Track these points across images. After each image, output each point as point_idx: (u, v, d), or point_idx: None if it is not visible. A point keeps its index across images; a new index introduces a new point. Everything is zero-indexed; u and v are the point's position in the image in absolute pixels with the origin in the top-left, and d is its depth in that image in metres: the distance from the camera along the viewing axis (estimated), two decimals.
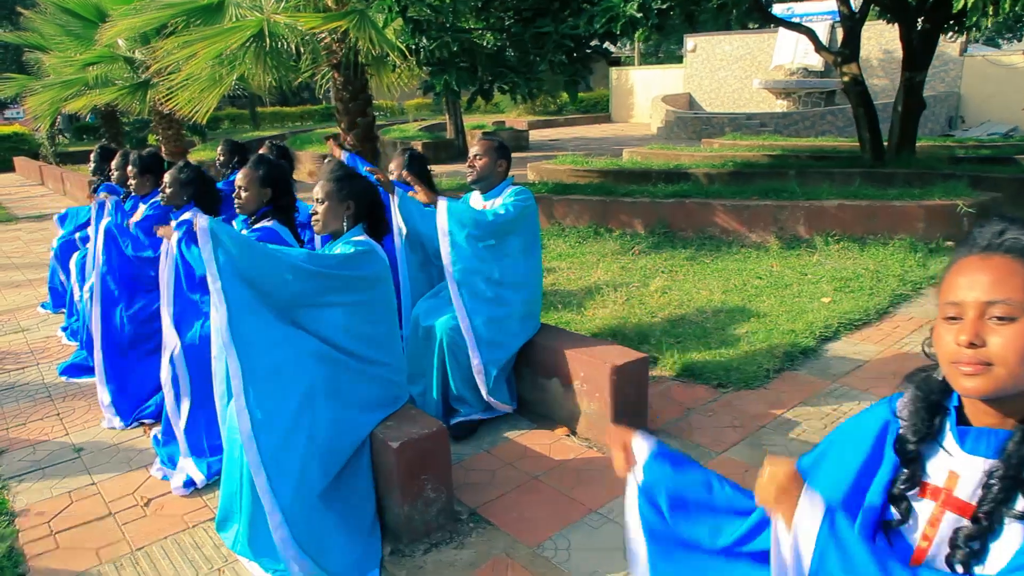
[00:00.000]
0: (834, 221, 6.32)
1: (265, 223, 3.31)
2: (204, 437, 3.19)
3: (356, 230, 2.77)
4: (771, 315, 4.79)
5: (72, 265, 5.23)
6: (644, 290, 5.36)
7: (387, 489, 2.62)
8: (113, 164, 5.36)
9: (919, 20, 8.51)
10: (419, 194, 3.32)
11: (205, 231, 2.30)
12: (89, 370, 4.42)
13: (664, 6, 5.93)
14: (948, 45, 18.70)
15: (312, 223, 2.78)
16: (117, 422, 3.73)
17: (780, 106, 21.16)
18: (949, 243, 6.05)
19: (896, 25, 12.48)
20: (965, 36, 17.66)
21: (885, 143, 9.44)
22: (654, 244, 6.56)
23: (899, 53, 20.21)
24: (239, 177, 3.33)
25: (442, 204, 3.22)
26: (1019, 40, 27.73)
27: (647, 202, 6.80)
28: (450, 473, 2.72)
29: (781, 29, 21.66)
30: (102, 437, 3.64)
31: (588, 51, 6.23)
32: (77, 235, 5.61)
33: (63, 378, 4.42)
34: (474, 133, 18.62)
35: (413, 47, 5.79)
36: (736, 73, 23.17)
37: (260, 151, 5.74)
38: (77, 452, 3.48)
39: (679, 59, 30.98)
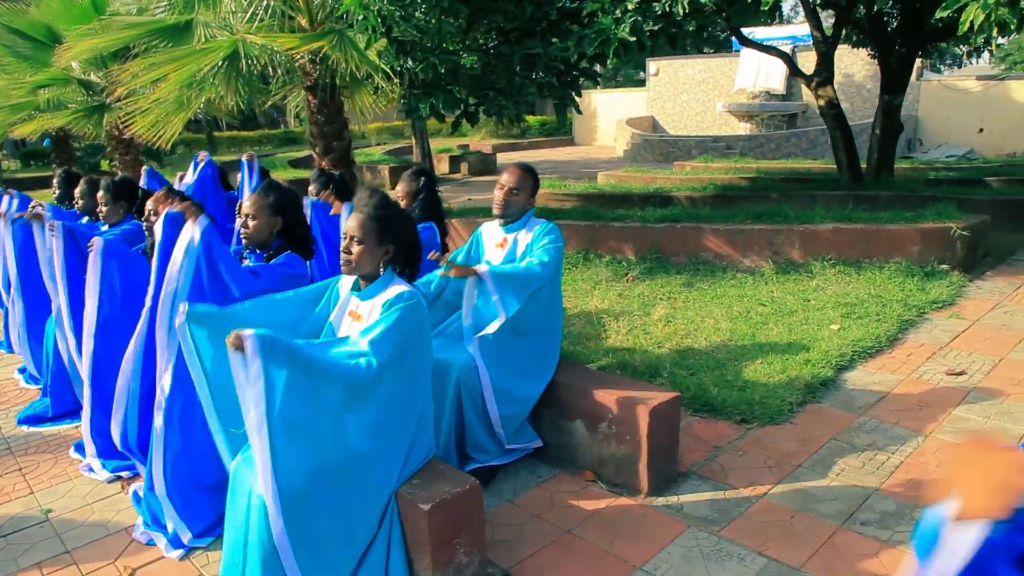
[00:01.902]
0: (829, 245, 6.22)
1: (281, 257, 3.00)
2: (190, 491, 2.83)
3: (390, 275, 2.44)
4: (782, 344, 4.61)
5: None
6: (647, 319, 5.14)
7: (416, 554, 2.32)
8: (77, 191, 4.96)
9: (897, 44, 8.57)
10: (452, 272, 3.01)
11: (254, 345, 1.97)
12: (51, 419, 4.02)
13: (656, 27, 5.80)
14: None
15: (341, 263, 2.40)
16: (98, 467, 3.34)
17: (743, 129, 21.43)
18: (944, 266, 5.99)
19: (859, 49, 12.79)
20: (919, 62, 18.15)
21: (863, 166, 9.49)
22: (647, 270, 6.37)
23: (859, 77, 20.69)
24: (246, 205, 3.02)
25: (485, 271, 2.98)
26: (960, 67, 28.74)
27: (638, 227, 6.63)
28: (484, 535, 2.43)
29: (744, 52, 22.08)
30: (73, 495, 3.25)
31: (576, 73, 6.06)
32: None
33: (23, 427, 3.99)
34: (440, 157, 18.42)
35: (398, 69, 5.53)
36: (699, 96, 23.46)
37: (240, 174, 5.42)
38: (46, 514, 3.09)
39: (638, 83, 31.37)
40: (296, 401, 2.05)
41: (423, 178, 4.01)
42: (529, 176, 3.27)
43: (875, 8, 7.67)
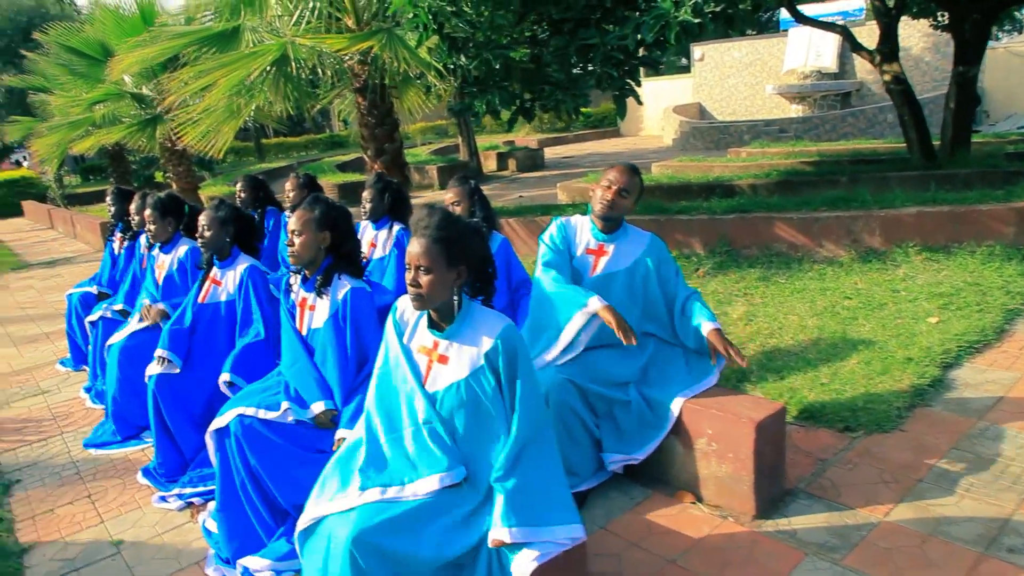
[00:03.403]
0: (912, 230, 5.80)
1: (344, 286, 2.81)
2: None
3: (468, 304, 2.19)
4: (878, 341, 4.26)
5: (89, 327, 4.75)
6: (725, 318, 4.84)
7: None
8: (132, 207, 4.88)
9: (970, 11, 8.03)
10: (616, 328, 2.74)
11: None
12: (117, 442, 3.93)
13: (718, 9, 5.47)
14: None
15: (411, 299, 2.10)
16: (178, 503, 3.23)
17: (795, 111, 20.70)
18: None
19: (917, 21, 12.11)
20: None
21: (935, 143, 8.96)
22: (718, 264, 6.05)
23: (916, 50, 19.83)
24: (291, 221, 2.84)
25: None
26: (1021, 32, 27.18)
27: (705, 219, 6.30)
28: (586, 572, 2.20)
29: (792, 31, 21.35)
30: (142, 525, 3.12)
31: (636, 62, 5.76)
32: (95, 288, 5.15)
33: (90, 451, 3.91)
34: (487, 154, 18.22)
35: (451, 66, 5.32)
36: (747, 80, 22.76)
37: (287, 183, 5.29)
38: (116, 547, 2.97)
39: (680, 69, 30.65)
40: None
41: (472, 181, 3.82)
42: (639, 179, 2.98)
43: None
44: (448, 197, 3.72)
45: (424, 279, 2.06)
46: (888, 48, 8.89)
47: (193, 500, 3.20)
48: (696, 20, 5.28)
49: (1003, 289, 4.92)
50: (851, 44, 9.19)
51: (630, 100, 5.94)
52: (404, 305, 2.29)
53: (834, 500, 2.86)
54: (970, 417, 3.43)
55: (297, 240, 2.79)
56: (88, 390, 4.76)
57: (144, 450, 3.83)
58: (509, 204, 9.20)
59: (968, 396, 3.65)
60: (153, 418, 3.37)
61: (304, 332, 2.90)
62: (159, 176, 18.11)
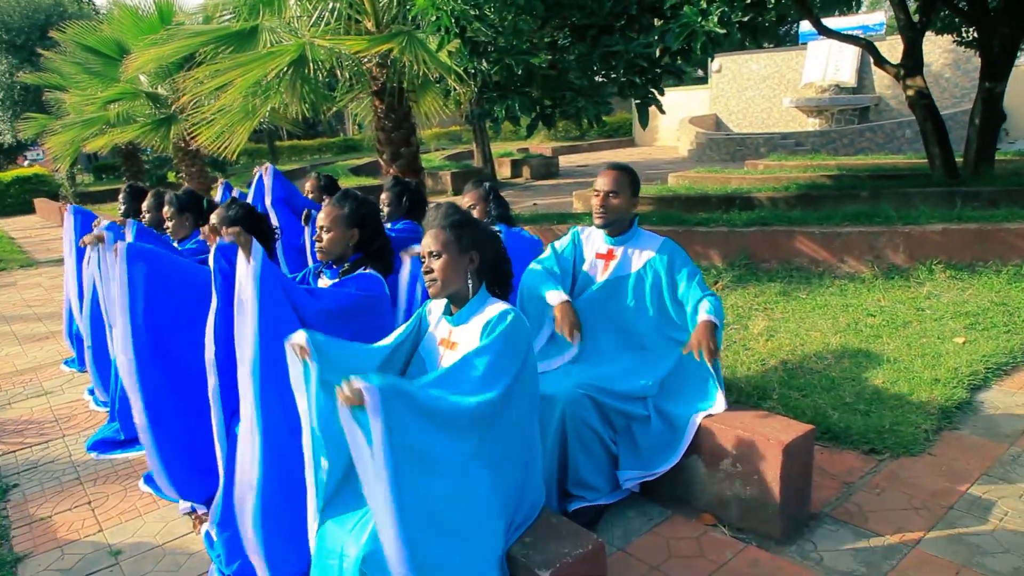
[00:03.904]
0: (937, 248, 5.67)
1: (361, 270, 2.74)
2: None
3: (484, 294, 2.19)
4: (902, 360, 4.13)
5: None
6: (745, 333, 4.72)
7: None
8: (145, 205, 4.83)
9: (1000, 26, 7.90)
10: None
11: (375, 397, 1.65)
12: (121, 444, 3.84)
13: (745, 19, 5.37)
14: None
15: (427, 286, 2.17)
16: (183, 504, 3.12)
17: (812, 124, 20.54)
18: None
19: (939, 36, 11.97)
20: None
21: (958, 159, 8.81)
22: (737, 278, 5.92)
23: (936, 66, 19.68)
24: (320, 217, 2.78)
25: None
26: None
27: (724, 231, 6.19)
28: None
29: (811, 45, 21.22)
30: (143, 534, 3.03)
31: (659, 70, 5.66)
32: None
33: (92, 454, 3.82)
34: (501, 161, 18.16)
35: (472, 71, 5.24)
36: (764, 92, 22.64)
37: (307, 184, 5.22)
38: (115, 556, 2.87)
39: (697, 80, 30.51)
40: (425, 464, 1.75)
41: (487, 183, 3.75)
42: (625, 175, 2.93)
43: None
44: (465, 201, 3.64)
45: (436, 263, 2.13)
46: (912, 63, 8.76)
47: (196, 507, 3.09)
48: (723, 30, 5.19)
49: None
50: (875, 58, 9.06)
51: (650, 109, 5.85)
52: (434, 305, 2.31)
53: (861, 526, 2.74)
54: (1001, 442, 3.30)
55: (326, 236, 2.75)
56: (92, 392, 4.68)
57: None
58: (524, 211, 9.10)
59: (998, 420, 3.52)
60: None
61: None
62: (171, 176, 18.14)
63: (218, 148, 6.89)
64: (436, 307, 2.34)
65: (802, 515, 2.74)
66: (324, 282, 2.91)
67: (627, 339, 2.89)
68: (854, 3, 7.16)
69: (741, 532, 2.72)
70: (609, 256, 2.96)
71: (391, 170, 6.92)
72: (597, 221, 2.93)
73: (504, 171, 17.80)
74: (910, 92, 8.81)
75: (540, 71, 5.79)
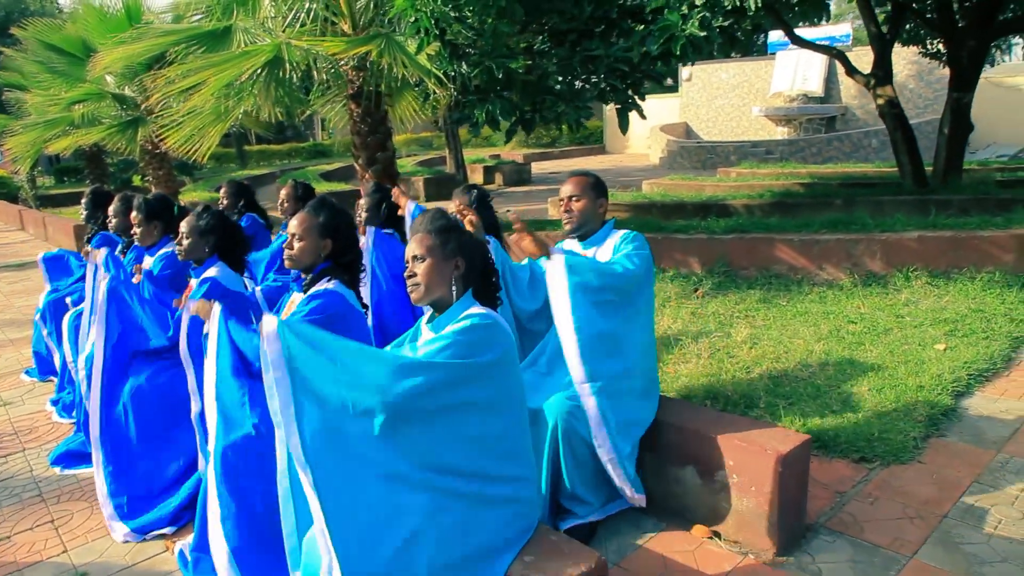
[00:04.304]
0: (913, 255, 5.72)
1: (325, 285, 2.62)
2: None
3: (467, 301, 2.11)
4: (886, 367, 4.13)
5: (64, 326, 4.46)
6: (728, 340, 4.69)
7: None
8: (111, 209, 4.64)
9: (967, 38, 8.04)
10: (524, 241, 2.63)
11: (274, 336, 1.68)
12: (87, 458, 3.65)
13: (725, 23, 5.37)
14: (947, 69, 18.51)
15: (409, 291, 2.10)
16: (125, 532, 2.96)
17: (780, 133, 20.85)
18: None
19: (905, 48, 12.18)
20: None
21: (928, 168, 8.95)
22: (717, 284, 5.91)
23: (900, 77, 20.08)
24: (292, 224, 2.65)
25: (559, 259, 2.55)
26: (992, 65, 27.42)
27: (703, 238, 6.17)
28: None
29: (779, 55, 21.54)
30: (111, 554, 2.87)
31: (639, 75, 5.63)
32: (68, 299, 4.86)
33: (56, 469, 3.64)
34: (474, 167, 18.08)
35: (452, 74, 5.15)
36: (734, 101, 22.91)
37: (282, 191, 5.07)
38: None
39: (667, 89, 30.79)
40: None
41: (475, 191, 3.67)
42: (586, 179, 2.98)
43: None
44: (452, 207, 3.54)
45: (420, 267, 2.07)
46: (882, 73, 8.89)
47: (162, 530, 2.94)
48: (703, 34, 5.18)
49: (1007, 316, 4.83)
50: (846, 68, 9.18)
51: (613, 118, 5.80)
52: (427, 312, 2.22)
53: (857, 536, 2.69)
54: (988, 449, 3.30)
55: (297, 245, 2.63)
56: (55, 403, 4.48)
57: None
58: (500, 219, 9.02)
59: (983, 426, 3.52)
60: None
61: None
62: (137, 180, 17.74)
63: (188, 151, 6.70)
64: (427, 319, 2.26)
65: (798, 526, 2.69)
66: (295, 297, 2.80)
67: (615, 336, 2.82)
68: (824, 14, 7.17)
69: (737, 544, 2.66)
70: None
71: (367, 175, 6.80)
72: (566, 227, 2.98)
73: (476, 177, 17.73)
74: (880, 101, 8.93)
75: (519, 76, 5.72)
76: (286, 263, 2.68)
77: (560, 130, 5.96)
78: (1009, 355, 4.34)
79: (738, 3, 5.32)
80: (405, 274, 2.13)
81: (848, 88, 20.82)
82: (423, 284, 2.07)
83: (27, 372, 5.21)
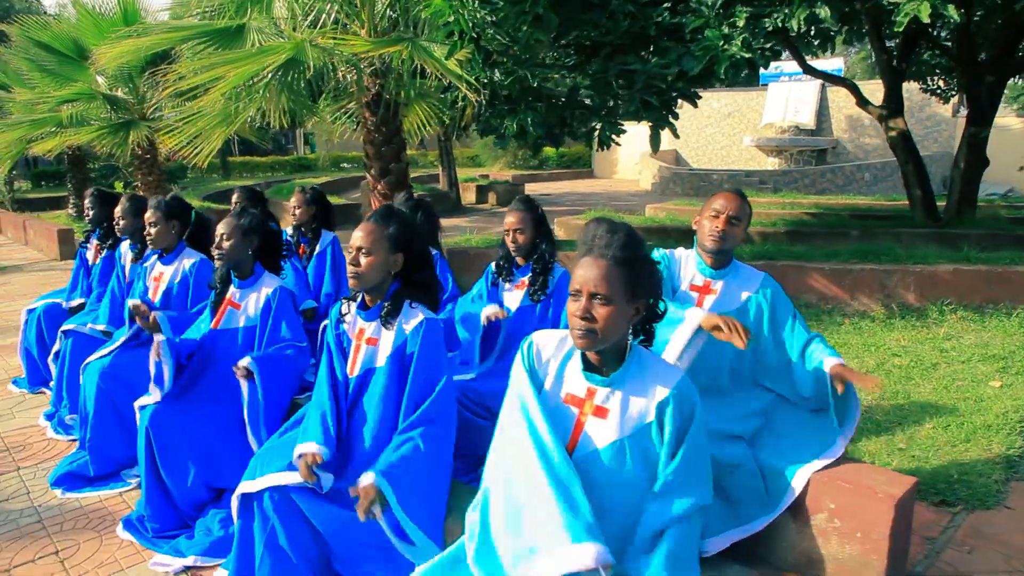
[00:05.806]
0: (948, 288, 5.57)
1: (417, 317, 2.32)
2: None
3: (640, 349, 1.77)
4: (944, 404, 3.93)
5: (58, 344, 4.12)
6: None
7: None
8: (119, 210, 4.29)
9: (987, 73, 8.02)
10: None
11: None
12: (92, 481, 3.31)
13: (768, 45, 5.22)
14: (940, 107, 18.77)
15: (580, 336, 1.65)
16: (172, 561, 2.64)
17: (771, 164, 20.95)
18: None
19: (910, 82, 12.28)
20: (957, 98, 17.67)
21: (940, 203, 8.90)
22: None
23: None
24: (357, 236, 2.30)
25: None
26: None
27: None
28: None
29: (772, 86, 21.70)
30: None
31: (674, 93, 5.45)
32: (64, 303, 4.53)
33: (56, 491, 3.28)
34: (467, 186, 17.86)
35: (485, 80, 4.90)
36: (725, 130, 23.02)
37: (292, 200, 4.76)
38: None
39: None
40: None
41: (539, 206, 3.40)
42: (748, 205, 2.57)
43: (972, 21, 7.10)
44: (508, 222, 3.27)
45: (602, 311, 1.61)
46: (894, 105, 8.86)
47: (198, 564, 2.62)
48: (748, 55, 5.02)
49: None
50: (857, 99, 9.12)
51: (603, 141, 5.59)
52: (543, 343, 1.81)
53: None
54: None
55: (364, 260, 2.26)
56: (50, 417, 4.10)
57: (123, 494, 3.23)
58: (499, 236, 8.76)
59: None
60: (145, 462, 2.79)
61: (355, 372, 2.36)
62: (118, 186, 17.22)
63: (190, 153, 6.39)
64: (549, 349, 1.89)
65: None
66: (367, 328, 2.41)
67: (713, 379, 2.58)
68: (831, 45, 7.09)
69: None
70: (705, 290, 2.62)
71: (379, 186, 6.52)
72: (710, 245, 2.55)
73: (469, 196, 17.50)
74: (892, 133, 8.88)
75: (547, 91, 5.52)
76: (350, 282, 2.31)
77: (590, 145, 5.70)
78: None
79: (779, 24, 5.19)
80: (574, 311, 1.65)
81: (839, 122, 21.03)
82: (601, 332, 1.63)
83: (15, 382, 4.82)
